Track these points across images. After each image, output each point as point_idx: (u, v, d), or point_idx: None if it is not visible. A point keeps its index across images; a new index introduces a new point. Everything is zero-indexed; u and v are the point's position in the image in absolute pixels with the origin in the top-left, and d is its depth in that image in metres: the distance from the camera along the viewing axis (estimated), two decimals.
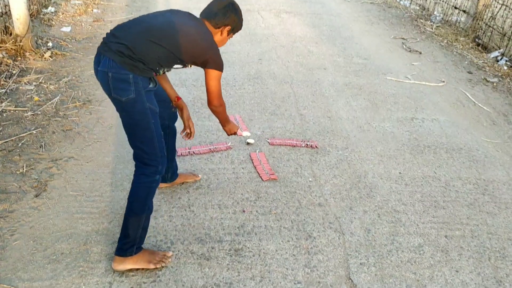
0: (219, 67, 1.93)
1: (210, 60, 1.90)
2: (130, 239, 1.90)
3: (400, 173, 2.86)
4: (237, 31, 2.07)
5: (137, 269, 1.97)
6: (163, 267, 1.99)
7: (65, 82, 3.77)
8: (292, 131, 3.27)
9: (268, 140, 3.11)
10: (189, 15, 1.97)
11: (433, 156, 3.08)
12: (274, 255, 2.13)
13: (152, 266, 1.95)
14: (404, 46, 5.46)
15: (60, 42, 4.65)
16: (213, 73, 1.93)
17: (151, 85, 1.89)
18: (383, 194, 2.64)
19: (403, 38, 5.79)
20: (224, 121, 2.20)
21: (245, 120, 3.38)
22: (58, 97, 3.50)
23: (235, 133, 2.30)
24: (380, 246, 2.23)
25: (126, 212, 1.90)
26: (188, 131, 2.24)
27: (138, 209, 1.90)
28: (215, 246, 2.16)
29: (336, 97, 3.91)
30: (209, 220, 2.33)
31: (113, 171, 2.67)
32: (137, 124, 1.85)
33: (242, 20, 2.05)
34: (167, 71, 2.04)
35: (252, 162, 2.85)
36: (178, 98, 2.19)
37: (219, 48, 1.98)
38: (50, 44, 4.51)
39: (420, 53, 5.28)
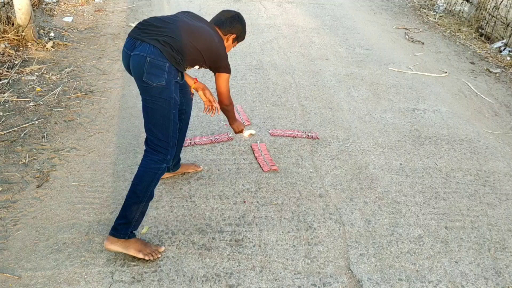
0: (229, 70, 2.14)
1: (224, 66, 2.10)
2: (126, 221, 1.91)
3: (401, 164, 2.84)
4: (241, 40, 2.26)
5: (139, 259, 1.97)
6: (152, 260, 1.98)
7: (67, 73, 3.75)
8: (294, 122, 3.25)
9: (269, 131, 3.10)
10: (207, 21, 2.14)
11: (434, 147, 3.05)
12: (274, 246, 2.13)
13: (141, 256, 1.95)
14: (407, 37, 5.39)
15: (62, 32, 4.62)
16: (224, 76, 2.13)
17: (178, 78, 1.98)
18: (383, 185, 2.62)
19: (405, 28, 5.72)
20: (232, 119, 2.40)
21: (246, 110, 3.36)
22: (60, 87, 3.48)
23: (242, 131, 2.48)
24: (380, 237, 2.23)
25: (128, 194, 1.92)
26: (214, 104, 2.30)
27: (140, 192, 1.92)
28: (216, 237, 2.16)
29: (337, 87, 3.88)
30: (210, 211, 2.32)
31: (115, 161, 2.67)
32: (158, 110, 1.91)
33: (246, 31, 2.25)
34: (188, 69, 2.14)
35: (253, 153, 2.84)
36: (195, 80, 2.29)
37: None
38: (52, 34, 4.48)
39: (423, 43, 5.22)
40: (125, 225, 1.91)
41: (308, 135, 3.07)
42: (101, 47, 4.40)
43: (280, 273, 1.98)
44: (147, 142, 1.99)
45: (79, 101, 3.34)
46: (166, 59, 1.87)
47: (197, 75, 3.85)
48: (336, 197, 2.50)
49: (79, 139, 2.86)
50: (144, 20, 1.99)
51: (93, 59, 4.10)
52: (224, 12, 2.21)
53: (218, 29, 2.13)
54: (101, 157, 2.70)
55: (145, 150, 1.99)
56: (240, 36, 2.22)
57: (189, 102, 2.33)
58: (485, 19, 5.60)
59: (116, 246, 1.93)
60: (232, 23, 2.15)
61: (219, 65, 2.09)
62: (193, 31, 1.97)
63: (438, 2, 6.67)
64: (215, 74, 2.14)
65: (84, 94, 3.43)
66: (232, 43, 2.21)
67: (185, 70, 2.07)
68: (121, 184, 2.47)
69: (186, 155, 2.77)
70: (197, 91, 2.30)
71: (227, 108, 2.28)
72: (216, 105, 2.32)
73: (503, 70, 4.58)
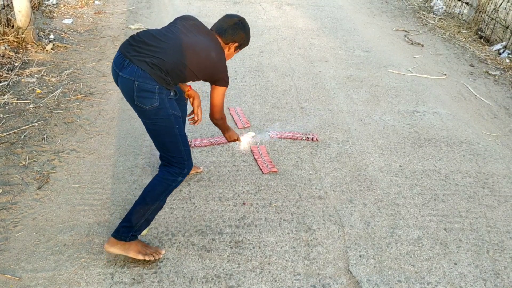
0: (227, 84, 2.07)
1: (221, 79, 2.04)
2: (130, 225, 1.93)
3: (400, 166, 2.86)
4: (244, 47, 2.17)
5: (139, 260, 1.99)
6: (152, 260, 1.99)
7: (67, 75, 3.77)
8: (293, 124, 3.28)
9: (269, 133, 3.12)
10: (207, 30, 2.04)
11: (434, 149, 3.08)
12: (274, 247, 2.15)
13: (140, 257, 1.97)
14: (406, 39, 5.42)
15: (62, 34, 4.65)
16: (221, 89, 2.06)
17: (172, 94, 1.98)
18: (383, 187, 2.64)
19: (405, 31, 5.75)
20: (224, 130, 2.35)
21: (246, 113, 3.38)
22: (60, 89, 3.51)
23: (235, 140, 2.43)
24: (380, 239, 2.24)
25: (138, 200, 1.94)
26: (196, 118, 2.30)
27: (150, 200, 1.93)
28: (216, 238, 2.18)
29: (337, 90, 3.90)
30: (209, 212, 2.34)
31: (115, 163, 2.69)
32: (161, 130, 1.91)
33: (250, 37, 2.15)
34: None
35: (253, 155, 2.86)
36: (190, 87, 2.28)
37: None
38: (51, 36, 4.50)
39: (422, 45, 5.25)
40: (127, 228, 1.93)
41: (307, 137, 3.10)
42: (101, 49, 4.42)
43: (280, 274, 2.00)
44: (162, 157, 1.99)
45: (79, 103, 3.36)
46: (155, 82, 1.82)
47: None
48: (336, 198, 2.52)
49: (79, 141, 2.88)
50: (136, 35, 1.93)
51: (93, 61, 4.12)
52: (226, 18, 2.09)
53: (219, 37, 2.04)
54: (101, 159, 2.72)
55: (162, 164, 2.00)
56: (243, 44, 2.13)
57: (184, 108, 2.31)
58: (484, 21, 5.63)
59: (116, 248, 1.95)
60: (235, 31, 2.05)
61: (217, 78, 2.03)
62: (187, 50, 1.89)
63: (437, 4, 6.70)
64: (211, 85, 2.08)
65: (84, 96, 3.45)
66: (235, 50, 2.13)
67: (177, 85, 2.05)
68: (121, 186, 2.49)
69: None
70: (189, 98, 2.28)
71: (217, 122, 2.23)
72: (197, 118, 2.29)
73: (502, 72, 4.61)
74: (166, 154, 1.95)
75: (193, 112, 2.30)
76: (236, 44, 2.09)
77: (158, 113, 1.86)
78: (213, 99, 2.10)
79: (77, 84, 3.64)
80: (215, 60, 1.97)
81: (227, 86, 2.07)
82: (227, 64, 2.07)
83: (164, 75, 1.85)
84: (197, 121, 2.30)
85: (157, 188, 1.94)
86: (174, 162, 1.94)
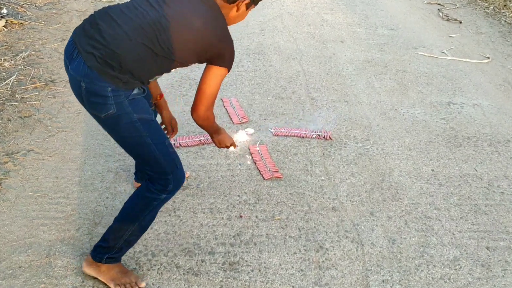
0: (228, 64, 1.80)
1: (219, 55, 1.78)
2: (106, 245, 1.92)
3: (433, 170, 2.86)
4: (259, 1, 1.88)
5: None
6: None
7: (23, 58, 3.77)
8: (301, 118, 3.28)
9: (271, 130, 3.12)
10: None
11: (474, 150, 3.08)
12: (277, 270, 2.14)
13: (112, 286, 1.96)
14: (440, 14, 5.43)
15: (17, 8, 4.65)
16: (217, 70, 1.79)
17: (135, 91, 1.75)
18: (411, 196, 2.65)
19: (439, 4, 5.75)
20: (212, 132, 2.13)
21: (243, 105, 3.39)
22: (15, 76, 3.51)
23: (228, 147, 2.22)
24: (407, 260, 2.24)
25: (117, 215, 1.92)
26: (169, 134, 2.29)
27: (127, 219, 1.90)
28: (206, 259, 2.17)
29: (355, 76, 3.91)
30: (198, 228, 2.34)
31: (82, 167, 2.69)
32: (128, 141, 1.80)
33: None
34: (158, 77, 1.91)
35: (252, 157, 2.86)
36: (161, 95, 2.22)
37: (235, 24, 1.88)
38: (4, 11, 4.50)
39: (460, 22, 5.25)
40: (103, 249, 1.93)
41: (319, 135, 3.10)
42: (65, 27, 4.42)
43: None
44: (141, 171, 1.96)
45: (37, 92, 3.36)
46: (106, 82, 1.64)
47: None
48: (353, 210, 2.52)
49: (37, 140, 2.88)
50: (93, 15, 1.74)
51: (55, 41, 4.12)
52: None
53: None
54: (65, 161, 2.72)
55: (144, 177, 1.96)
56: None
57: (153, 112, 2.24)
58: None
59: (91, 269, 1.97)
60: None
61: (213, 54, 1.77)
62: (155, 30, 1.67)
63: None
64: (206, 64, 1.83)
65: (44, 85, 3.45)
66: (247, 9, 1.83)
67: (150, 82, 1.86)
68: (89, 195, 2.49)
69: None
70: (157, 108, 2.24)
71: (201, 123, 1.95)
72: (174, 133, 2.29)
73: None
74: (145, 168, 1.87)
75: (162, 123, 2.28)
76: (246, 1, 1.79)
77: (118, 121, 1.71)
78: (203, 83, 1.81)
79: (36, 70, 3.64)
80: (202, 29, 1.71)
81: (229, 69, 1.81)
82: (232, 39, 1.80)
83: (117, 73, 1.65)
84: (171, 134, 2.29)
85: (135, 206, 1.90)
86: (155, 178, 1.84)
